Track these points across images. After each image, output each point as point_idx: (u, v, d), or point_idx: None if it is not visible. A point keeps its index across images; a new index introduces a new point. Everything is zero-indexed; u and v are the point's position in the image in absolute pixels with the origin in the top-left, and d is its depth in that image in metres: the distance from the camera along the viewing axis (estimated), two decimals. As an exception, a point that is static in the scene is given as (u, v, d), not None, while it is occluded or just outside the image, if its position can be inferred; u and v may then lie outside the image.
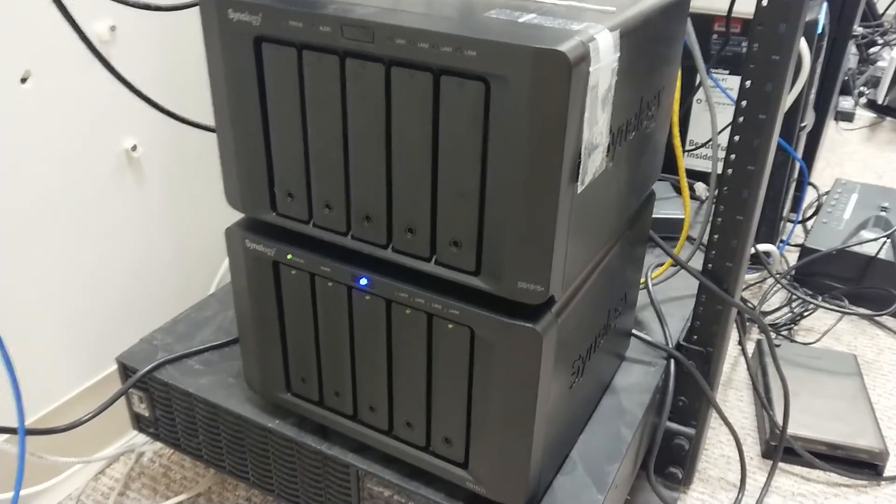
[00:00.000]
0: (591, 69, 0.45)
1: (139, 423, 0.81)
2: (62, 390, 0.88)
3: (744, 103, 0.70)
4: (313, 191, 0.57)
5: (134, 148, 0.87)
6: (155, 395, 0.77)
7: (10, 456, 0.80)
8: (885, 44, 2.22)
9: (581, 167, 0.48)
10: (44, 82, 0.76)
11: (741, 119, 0.70)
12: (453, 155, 0.49)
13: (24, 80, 0.74)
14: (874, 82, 2.11)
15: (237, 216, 0.63)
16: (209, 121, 0.65)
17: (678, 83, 0.74)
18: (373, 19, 0.48)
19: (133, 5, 0.59)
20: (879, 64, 2.15)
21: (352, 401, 0.65)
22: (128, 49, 0.84)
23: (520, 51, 0.44)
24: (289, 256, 0.60)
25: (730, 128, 0.72)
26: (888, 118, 2.08)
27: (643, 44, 0.55)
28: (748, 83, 0.69)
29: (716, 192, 0.75)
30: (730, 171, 0.72)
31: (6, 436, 0.77)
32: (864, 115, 2.10)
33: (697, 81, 1.13)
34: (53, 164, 0.79)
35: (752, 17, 0.67)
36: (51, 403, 0.87)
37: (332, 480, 0.69)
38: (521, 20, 0.48)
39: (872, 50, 2.22)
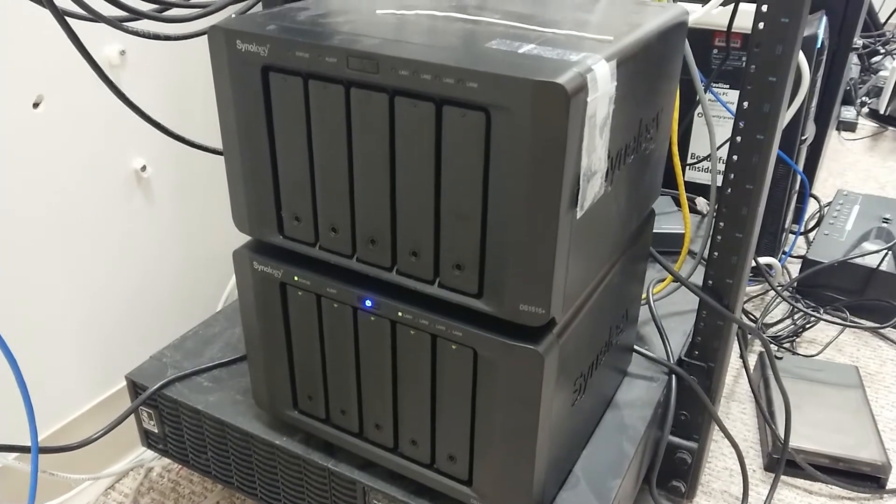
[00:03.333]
0: (588, 99, 0.46)
1: (148, 439, 0.82)
2: (72, 407, 0.89)
3: (742, 123, 0.71)
4: (319, 215, 0.58)
5: (143, 169, 0.89)
6: (164, 411, 0.79)
7: (23, 473, 0.81)
8: (887, 53, 2.23)
9: (580, 193, 0.49)
10: (55, 106, 0.77)
11: (739, 139, 0.71)
12: (455, 181, 0.51)
13: (36, 105, 0.75)
14: (876, 92, 2.12)
15: (244, 235, 0.64)
16: (216, 143, 0.67)
17: (677, 100, 0.75)
18: (377, 51, 0.49)
19: (143, 35, 0.60)
20: (881, 73, 2.16)
21: (357, 419, 0.66)
22: (137, 73, 0.86)
23: (519, 83, 0.45)
24: (296, 278, 0.62)
25: (728, 145, 0.73)
26: (890, 128, 2.09)
27: (641, 70, 0.56)
28: (746, 104, 0.70)
29: (716, 209, 0.76)
30: (729, 189, 0.73)
31: (17, 453, 0.78)
32: (867, 125, 2.11)
33: (698, 97, 1.14)
34: (64, 185, 0.81)
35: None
36: (61, 420, 0.88)
37: (338, 497, 0.70)
38: (520, 51, 0.49)
39: (874, 59, 2.23)
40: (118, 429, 0.78)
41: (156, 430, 0.81)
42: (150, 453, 0.92)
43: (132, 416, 0.80)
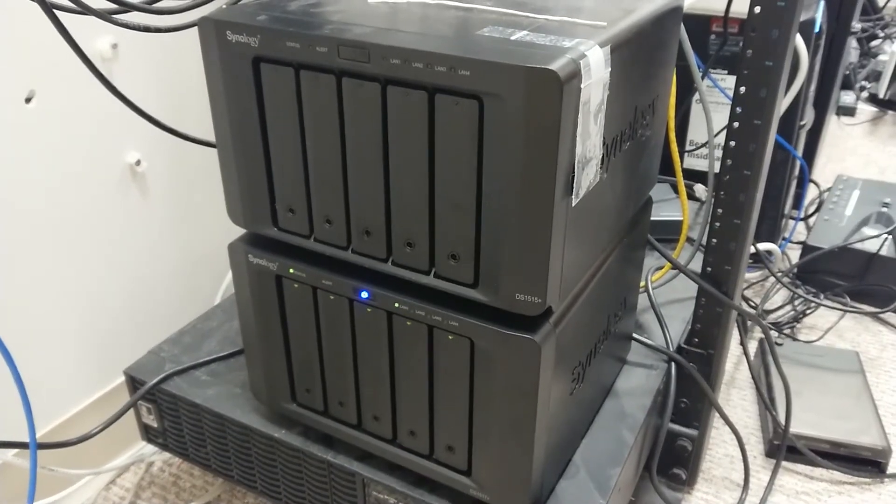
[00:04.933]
0: (582, 86, 0.46)
1: (148, 433, 0.82)
2: (71, 402, 0.89)
3: (738, 109, 0.70)
4: (313, 206, 0.58)
5: (138, 163, 0.89)
6: (163, 406, 0.78)
7: (23, 470, 0.81)
8: (886, 37, 2.22)
9: (575, 181, 0.49)
10: (48, 101, 0.77)
11: (736, 124, 0.71)
12: (449, 171, 0.50)
13: (28, 100, 0.75)
14: (875, 76, 2.11)
15: (240, 228, 0.64)
16: (211, 135, 0.66)
17: (673, 88, 0.75)
18: (368, 40, 0.49)
19: (133, 28, 0.59)
20: (881, 58, 2.14)
21: (356, 410, 0.66)
22: (130, 66, 0.85)
23: (512, 70, 0.45)
24: (291, 270, 0.61)
25: (726, 131, 0.72)
26: (890, 112, 2.08)
27: (635, 56, 0.56)
28: (742, 89, 0.69)
29: (714, 195, 0.75)
30: (726, 176, 0.73)
31: (17, 449, 0.78)
32: (866, 110, 2.10)
33: (695, 83, 1.14)
34: (58, 180, 0.81)
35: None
36: (60, 416, 0.88)
37: (338, 488, 0.70)
38: (513, 38, 0.49)
39: (874, 43, 2.21)
40: (118, 424, 0.78)
41: (155, 425, 0.81)
42: (150, 448, 0.92)
43: (131, 410, 0.80)
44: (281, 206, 0.59)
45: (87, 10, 0.56)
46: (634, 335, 0.84)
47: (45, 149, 0.78)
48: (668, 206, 1.08)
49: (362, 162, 0.53)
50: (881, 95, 2.07)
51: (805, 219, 1.48)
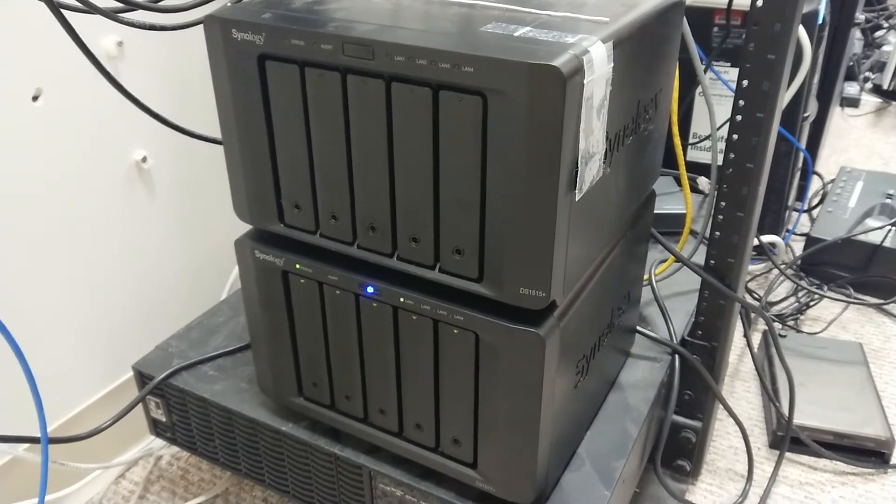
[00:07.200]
0: (585, 81, 0.46)
1: (156, 427, 0.83)
2: (80, 398, 0.90)
3: (741, 102, 0.70)
4: (319, 202, 0.58)
5: (144, 160, 0.89)
6: (171, 400, 0.79)
7: (34, 464, 0.82)
8: (891, 27, 2.21)
9: (578, 176, 0.49)
10: (54, 99, 0.77)
11: (739, 118, 0.71)
12: (454, 166, 0.51)
13: (35, 98, 0.75)
14: (879, 67, 2.10)
15: (246, 224, 0.64)
16: (216, 132, 0.67)
17: (676, 81, 0.75)
18: (372, 37, 0.49)
19: (139, 26, 0.60)
20: (884, 48, 2.14)
21: (362, 404, 0.66)
22: (136, 64, 0.86)
23: (515, 66, 0.45)
24: (297, 266, 0.62)
25: (728, 125, 0.73)
26: (894, 103, 2.07)
27: (638, 51, 0.56)
28: (745, 82, 0.70)
29: (717, 188, 0.76)
30: (729, 169, 0.73)
31: (29, 444, 0.79)
32: (870, 101, 2.09)
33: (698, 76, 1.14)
34: (66, 178, 0.81)
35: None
36: (70, 411, 0.89)
37: (345, 481, 0.70)
38: (516, 34, 0.49)
39: (877, 34, 2.21)
40: (127, 418, 0.78)
41: (164, 419, 0.81)
42: (158, 442, 0.93)
43: (140, 405, 0.80)
44: (287, 203, 0.60)
45: (93, 9, 0.57)
46: (638, 328, 0.84)
47: (51, 146, 0.79)
48: (671, 199, 1.09)
49: (367, 158, 0.54)
50: (885, 86, 2.06)
51: (808, 210, 1.48)
